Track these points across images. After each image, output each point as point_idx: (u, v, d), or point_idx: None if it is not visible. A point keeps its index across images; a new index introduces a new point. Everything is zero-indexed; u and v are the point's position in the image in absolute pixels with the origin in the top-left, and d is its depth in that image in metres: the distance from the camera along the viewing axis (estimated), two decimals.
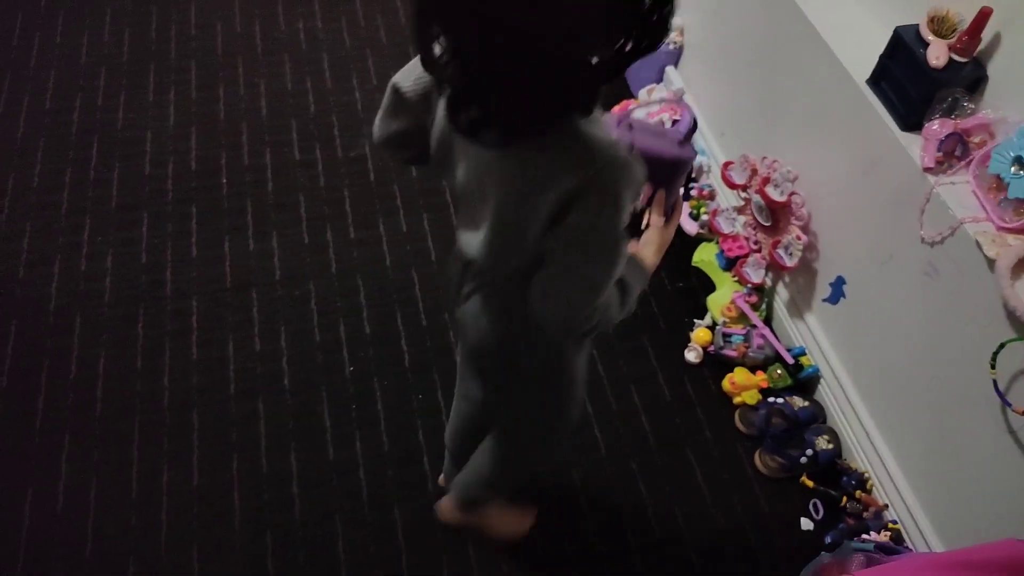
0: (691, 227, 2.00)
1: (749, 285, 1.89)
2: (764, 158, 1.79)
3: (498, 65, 0.72)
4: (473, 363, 1.22)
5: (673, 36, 2.23)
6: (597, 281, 0.87)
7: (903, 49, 1.43)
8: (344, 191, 2.14)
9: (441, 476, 1.64)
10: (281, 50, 2.45)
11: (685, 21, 2.21)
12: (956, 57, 1.38)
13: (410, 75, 0.92)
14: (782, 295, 1.91)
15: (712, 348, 1.87)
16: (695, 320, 1.95)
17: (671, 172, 1.06)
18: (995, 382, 1.27)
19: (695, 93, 2.20)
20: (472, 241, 0.95)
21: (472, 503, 1.49)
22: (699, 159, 2.13)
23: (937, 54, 1.37)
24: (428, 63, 0.77)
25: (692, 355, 1.89)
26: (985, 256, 1.27)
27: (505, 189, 0.85)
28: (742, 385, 1.82)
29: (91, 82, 2.30)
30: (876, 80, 1.50)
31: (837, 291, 1.70)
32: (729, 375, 1.84)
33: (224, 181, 2.12)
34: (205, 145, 2.20)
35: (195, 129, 2.22)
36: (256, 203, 2.08)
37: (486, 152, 0.83)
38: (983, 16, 1.33)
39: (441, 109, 0.85)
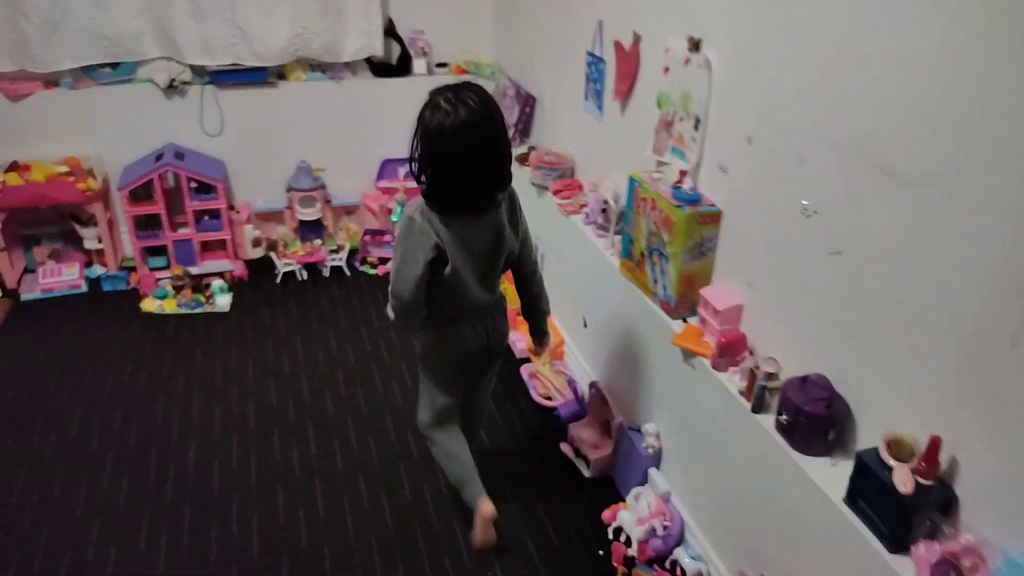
0: None
1: None
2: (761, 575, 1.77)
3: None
4: (496, 354, 2.18)
5: (650, 440, 2.35)
6: None
7: (869, 474, 1.50)
8: None
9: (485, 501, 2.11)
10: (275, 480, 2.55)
11: (660, 427, 2.35)
12: (921, 480, 1.45)
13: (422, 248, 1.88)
14: None
15: None
16: None
17: None
18: None
19: (680, 493, 2.26)
20: (488, 285, 2.05)
21: None
22: (696, 566, 2.10)
23: (903, 479, 1.45)
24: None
25: None
26: None
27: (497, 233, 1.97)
28: None
29: (84, 534, 2.31)
30: (852, 499, 1.56)
31: None
32: None
33: None
34: None
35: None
36: None
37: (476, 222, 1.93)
38: (934, 443, 1.43)
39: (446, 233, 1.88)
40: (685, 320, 2.22)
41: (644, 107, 2.47)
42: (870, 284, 1.58)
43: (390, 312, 1.98)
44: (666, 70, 2.30)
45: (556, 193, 3.05)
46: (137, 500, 2.43)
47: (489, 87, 3.98)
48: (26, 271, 3.61)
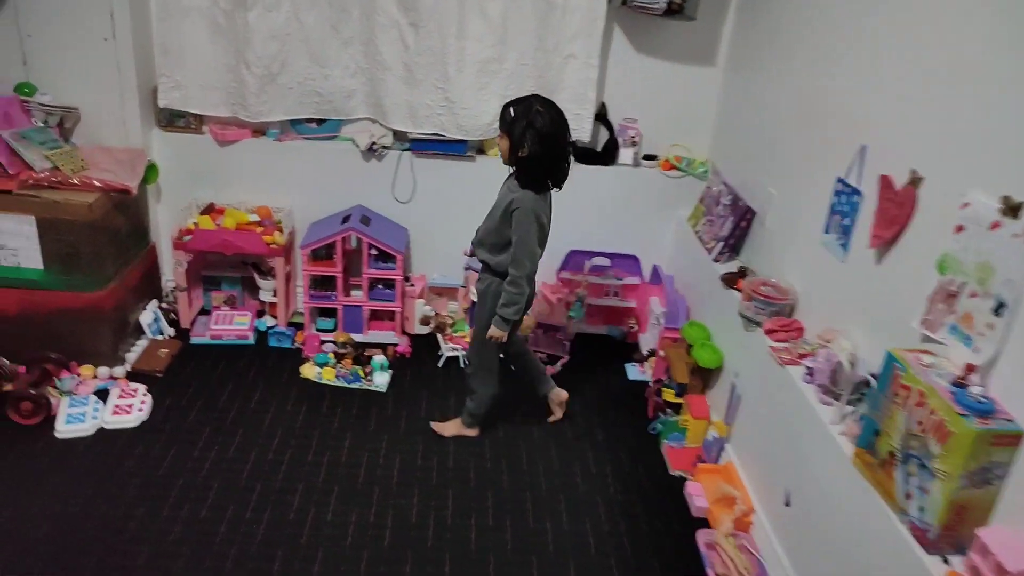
0: None
1: None
2: None
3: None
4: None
5: None
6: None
7: None
8: None
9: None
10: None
11: None
12: None
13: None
14: None
15: None
16: None
17: None
18: None
19: None
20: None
21: None
22: None
23: None
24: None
25: None
26: None
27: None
28: None
29: None
30: None
31: None
32: None
33: None
34: None
35: None
36: None
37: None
38: None
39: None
40: (946, 559, 1.69)
41: (913, 265, 1.98)
42: None
43: (514, 290, 2.62)
44: (958, 229, 1.81)
45: (770, 333, 2.58)
46: None
47: (698, 188, 3.63)
48: (201, 311, 3.61)
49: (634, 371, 3.50)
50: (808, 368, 2.37)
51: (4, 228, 2.81)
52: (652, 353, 3.54)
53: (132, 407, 2.88)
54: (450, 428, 2.97)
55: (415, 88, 3.35)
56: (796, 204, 2.69)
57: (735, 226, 3.07)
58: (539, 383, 3.09)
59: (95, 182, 2.90)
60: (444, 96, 3.34)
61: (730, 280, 2.96)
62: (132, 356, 3.19)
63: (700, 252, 3.28)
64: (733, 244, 3.12)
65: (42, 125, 3.02)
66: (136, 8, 3.12)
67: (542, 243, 2.64)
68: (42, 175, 2.83)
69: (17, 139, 2.82)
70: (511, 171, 2.66)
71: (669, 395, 3.14)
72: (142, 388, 3.00)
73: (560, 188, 2.64)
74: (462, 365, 3.40)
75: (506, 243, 2.60)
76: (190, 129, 3.44)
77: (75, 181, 2.86)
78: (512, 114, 2.52)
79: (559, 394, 3.10)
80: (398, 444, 2.90)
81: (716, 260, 3.14)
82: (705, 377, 3.09)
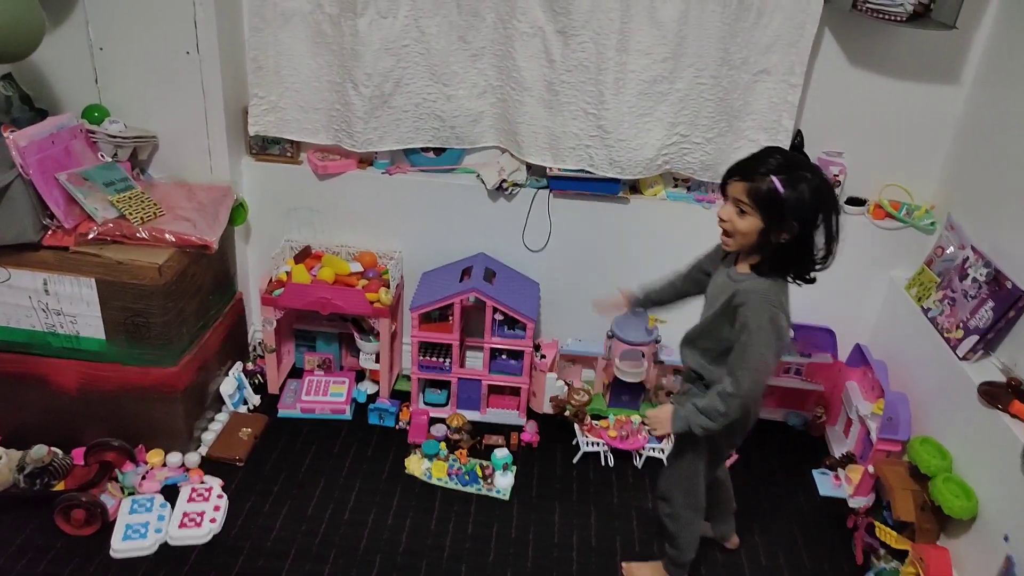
0: None
1: None
2: None
3: None
4: None
5: None
6: None
7: None
8: None
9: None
10: None
11: None
12: None
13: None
14: None
15: None
16: None
17: None
18: None
19: None
20: None
21: None
22: None
23: None
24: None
25: None
26: None
27: None
28: None
29: None
30: None
31: None
32: None
33: None
34: None
35: None
36: None
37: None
38: None
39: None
40: None
41: None
42: None
43: (720, 407, 1.81)
44: None
45: None
46: None
47: (922, 244, 2.77)
48: (291, 373, 3.05)
49: (827, 483, 2.70)
50: None
51: (61, 292, 2.30)
52: (848, 459, 2.73)
53: (203, 515, 2.33)
54: (646, 573, 2.26)
55: (559, 113, 2.63)
56: None
57: (1000, 316, 2.22)
58: (721, 521, 2.35)
59: (167, 235, 2.35)
60: (596, 124, 2.61)
61: (994, 395, 2.13)
62: (210, 436, 2.65)
63: (934, 340, 2.45)
64: (991, 337, 2.27)
65: (110, 160, 2.49)
66: (224, 16, 2.54)
67: (779, 354, 1.83)
68: (105, 226, 2.30)
69: (78, 182, 2.30)
70: (725, 255, 1.90)
71: (887, 535, 2.33)
72: (217, 485, 2.45)
73: (814, 281, 1.83)
74: (604, 464, 2.71)
75: (726, 349, 1.83)
76: (286, 158, 2.86)
77: (143, 235, 2.32)
78: (782, 189, 1.66)
79: (733, 541, 2.38)
80: None
81: (964, 358, 2.31)
82: (942, 520, 2.28)
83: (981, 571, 2.09)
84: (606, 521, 2.49)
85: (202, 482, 2.46)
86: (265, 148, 2.84)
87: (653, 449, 2.74)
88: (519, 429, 2.82)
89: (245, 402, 2.86)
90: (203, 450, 2.61)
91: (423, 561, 2.29)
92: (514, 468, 2.65)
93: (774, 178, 1.66)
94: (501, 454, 2.64)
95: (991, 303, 2.27)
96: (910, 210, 2.76)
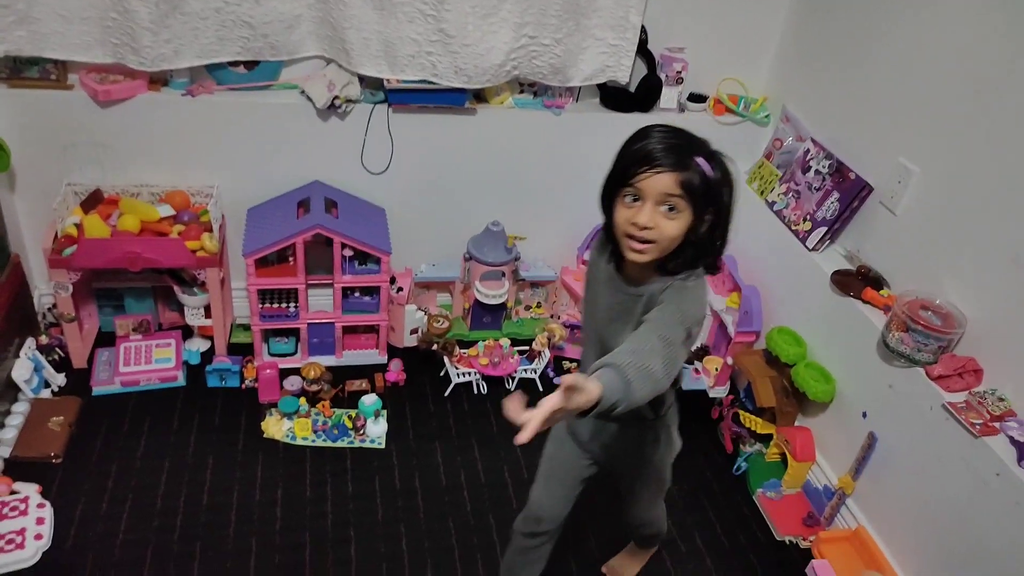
0: None
1: None
2: None
3: None
4: None
5: None
6: None
7: None
8: None
9: None
10: None
11: None
12: None
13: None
14: None
15: None
16: None
17: None
18: None
19: None
20: None
21: None
22: None
23: None
24: None
25: None
26: None
27: None
28: None
29: None
30: None
31: None
32: None
33: None
34: None
35: None
36: None
37: None
38: None
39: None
40: None
41: None
42: None
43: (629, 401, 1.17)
44: None
45: (939, 380, 1.92)
46: None
47: (758, 137, 2.83)
48: (99, 340, 2.58)
49: (687, 377, 2.80)
50: (1016, 440, 1.74)
51: None
52: (704, 351, 2.84)
53: (25, 532, 1.93)
54: (632, 567, 2.10)
55: (392, 16, 2.30)
56: (959, 189, 1.96)
57: (845, 207, 2.33)
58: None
59: None
60: (436, 27, 2.32)
61: (846, 284, 2.25)
62: (10, 434, 2.18)
63: (780, 233, 2.53)
64: (837, 228, 2.39)
65: None
66: None
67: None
68: None
69: None
70: (605, 248, 1.51)
71: (752, 421, 2.47)
72: (34, 492, 2.03)
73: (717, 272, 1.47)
74: (477, 392, 2.59)
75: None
76: (50, 83, 2.28)
77: None
78: (712, 173, 1.31)
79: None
80: (422, 533, 2.11)
81: (814, 250, 2.41)
82: (801, 402, 2.44)
83: (841, 446, 2.27)
84: (491, 453, 2.40)
85: (13, 492, 2.03)
86: (19, 71, 2.25)
87: (525, 371, 2.66)
88: (382, 369, 2.62)
89: (47, 385, 2.38)
90: (4, 452, 2.15)
91: (306, 534, 2.08)
92: (385, 413, 2.46)
93: (700, 160, 1.29)
94: (369, 400, 2.43)
95: (836, 194, 2.36)
96: (747, 103, 2.79)
